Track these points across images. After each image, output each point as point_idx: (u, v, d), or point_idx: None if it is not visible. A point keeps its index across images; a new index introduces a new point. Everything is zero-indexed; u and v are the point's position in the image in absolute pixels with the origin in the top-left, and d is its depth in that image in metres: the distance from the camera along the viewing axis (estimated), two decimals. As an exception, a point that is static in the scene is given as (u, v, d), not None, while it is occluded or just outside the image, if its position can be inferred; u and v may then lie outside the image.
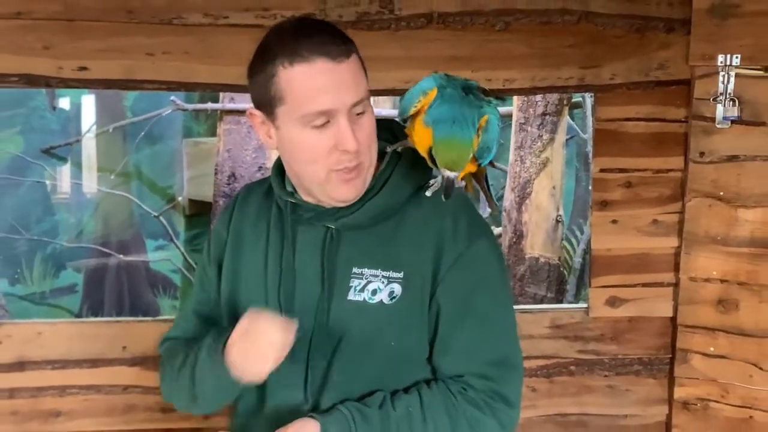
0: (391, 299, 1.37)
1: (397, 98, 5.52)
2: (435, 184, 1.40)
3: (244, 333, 1.32)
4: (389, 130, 1.46)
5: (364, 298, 1.37)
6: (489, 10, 2.32)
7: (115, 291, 5.86)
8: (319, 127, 1.33)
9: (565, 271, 4.58)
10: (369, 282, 1.38)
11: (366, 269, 1.38)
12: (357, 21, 2.30)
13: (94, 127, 5.69)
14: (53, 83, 2.29)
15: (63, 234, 5.36)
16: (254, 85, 1.37)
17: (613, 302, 2.51)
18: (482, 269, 1.39)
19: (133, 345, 2.42)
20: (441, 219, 1.39)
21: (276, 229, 1.44)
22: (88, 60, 2.25)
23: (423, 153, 1.38)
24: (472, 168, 1.43)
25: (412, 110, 1.39)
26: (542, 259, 4.19)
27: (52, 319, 3.32)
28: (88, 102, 5.75)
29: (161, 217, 5.36)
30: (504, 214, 4.40)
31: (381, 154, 1.44)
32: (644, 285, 2.50)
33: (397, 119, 1.49)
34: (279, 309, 1.41)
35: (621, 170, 2.45)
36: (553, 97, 4.03)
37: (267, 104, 1.36)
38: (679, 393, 2.48)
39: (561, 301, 4.28)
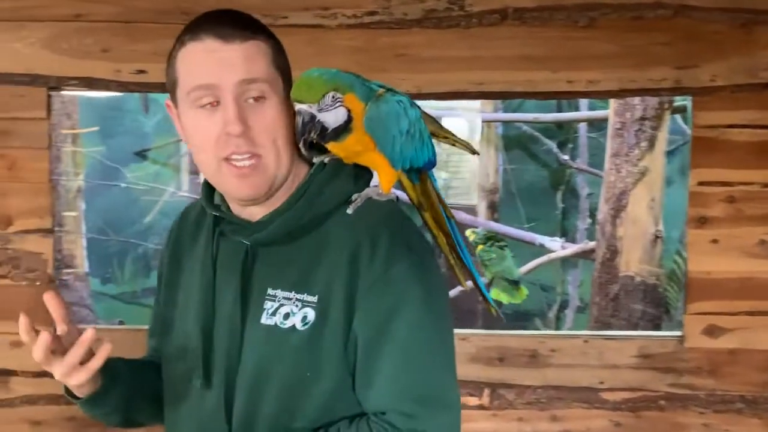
0: (304, 325, 1.23)
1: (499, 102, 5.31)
2: (358, 200, 1.27)
3: None
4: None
5: (276, 322, 1.24)
6: (571, 4, 2.16)
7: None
8: (208, 109, 1.22)
9: (671, 291, 4.28)
10: (282, 305, 1.25)
11: (279, 291, 1.25)
12: (423, 19, 2.17)
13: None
14: (112, 87, 2.27)
15: (154, 236, 5.47)
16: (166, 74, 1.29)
17: (711, 331, 2.30)
18: (400, 294, 1.23)
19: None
20: (358, 239, 1.23)
21: (207, 245, 1.33)
22: (146, 63, 2.21)
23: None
24: (356, 146, 1.26)
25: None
26: (638, 279, 3.87)
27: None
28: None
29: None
30: (597, 227, 4.13)
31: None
32: (748, 313, 2.29)
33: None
34: (200, 333, 1.30)
35: (723, 183, 2.26)
36: (653, 101, 3.74)
37: (170, 91, 1.27)
38: (788, 437, 2.23)
39: (659, 327, 3.95)
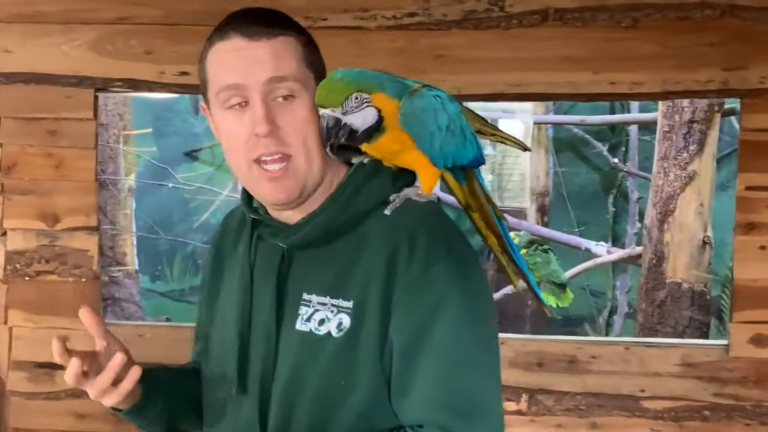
0: (339, 331, 1.19)
1: (551, 103, 5.24)
2: (396, 200, 1.22)
3: None
4: None
5: (311, 329, 1.20)
6: (614, 4, 2.12)
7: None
8: (237, 110, 1.18)
9: (725, 299, 4.14)
10: (316, 311, 1.21)
11: (314, 296, 1.21)
12: (462, 20, 2.15)
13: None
14: (155, 88, 2.31)
15: (204, 235, 5.54)
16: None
17: (758, 341, 2.23)
18: (439, 297, 1.16)
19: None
20: (396, 240, 1.18)
21: (246, 249, 1.30)
22: (188, 65, 2.23)
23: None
24: (393, 144, 1.21)
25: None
26: (685, 285, 3.76)
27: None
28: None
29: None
30: (644, 232, 4.02)
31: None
32: (797, 323, 2.21)
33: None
34: (237, 339, 1.26)
35: (771, 188, 2.19)
36: (702, 103, 3.62)
37: (203, 92, 1.25)
38: (838, 451, 2.15)
39: (707, 335, 3.83)
